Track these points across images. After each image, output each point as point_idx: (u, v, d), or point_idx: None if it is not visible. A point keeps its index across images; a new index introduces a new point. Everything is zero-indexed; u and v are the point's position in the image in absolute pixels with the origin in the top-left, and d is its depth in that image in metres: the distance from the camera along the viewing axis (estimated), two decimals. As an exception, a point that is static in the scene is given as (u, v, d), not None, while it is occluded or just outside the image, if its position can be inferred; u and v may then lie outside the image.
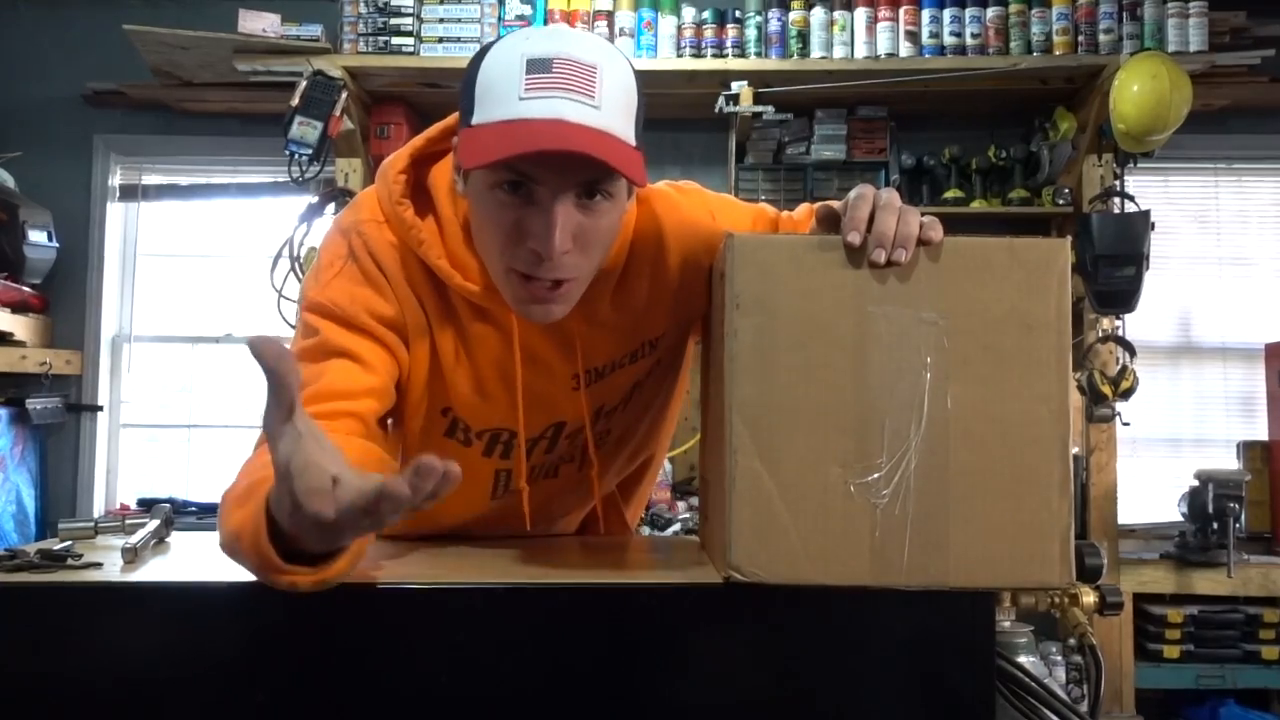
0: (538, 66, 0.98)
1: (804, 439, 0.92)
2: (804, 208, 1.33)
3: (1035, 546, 0.93)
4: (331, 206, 3.68)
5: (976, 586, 0.93)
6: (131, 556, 1.01)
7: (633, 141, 1.01)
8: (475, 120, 1.01)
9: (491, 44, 1.04)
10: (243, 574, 0.91)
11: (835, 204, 1.06)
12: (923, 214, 0.95)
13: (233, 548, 0.88)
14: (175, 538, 1.19)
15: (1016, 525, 0.92)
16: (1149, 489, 3.96)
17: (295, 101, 3.44)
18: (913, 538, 0.92)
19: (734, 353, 0.93)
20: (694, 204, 1.25)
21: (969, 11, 3.63)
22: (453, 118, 1.11)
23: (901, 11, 3.61)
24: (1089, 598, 1.59)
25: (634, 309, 1.19)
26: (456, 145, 1.06)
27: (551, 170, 0.98)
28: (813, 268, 0.93)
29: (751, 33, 3.67)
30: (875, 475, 0.92)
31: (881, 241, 0.92)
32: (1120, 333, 3.63)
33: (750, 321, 0.93)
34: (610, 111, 0.99)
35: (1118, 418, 3.57)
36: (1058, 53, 3.60)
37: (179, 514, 1.38)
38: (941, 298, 0.93)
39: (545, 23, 3.62)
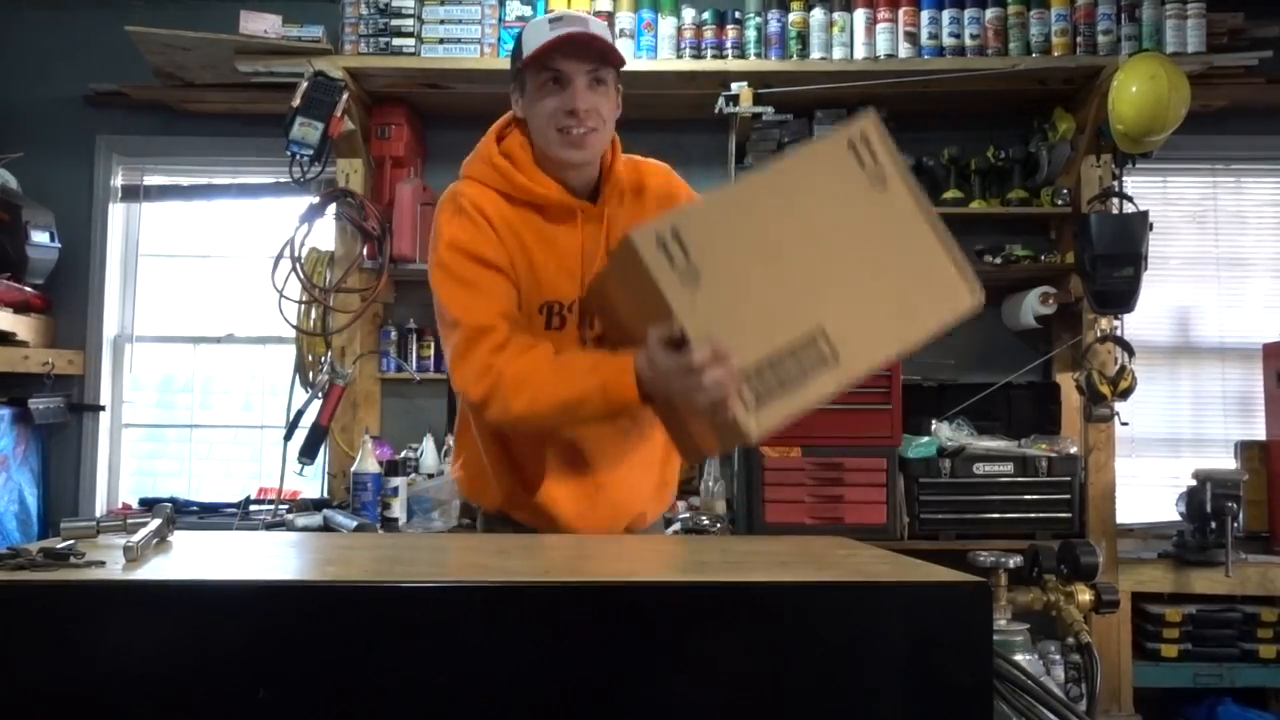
0: (554, 21, 1.68)
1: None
2: None
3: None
4: (332, 207, 3.69)
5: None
6: (133, 555, 1.01)
7: (621, 62, 1.71)
8: (524, 57, 1.67)
9: (529, 25, 1.73)
10: (243, 574, 0.92)
11: None
12: None
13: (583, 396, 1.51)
14: (176, 537, 1.19)
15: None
16: (1147, 489, 3.96)
17: (296, 102, 3.45)
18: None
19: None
20: (677, 180, 1.91)
21: (968, 12, 3.63)
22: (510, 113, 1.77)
23: (901, 12, 3.62)
24: (1085, 596, 1.60)
25: (633, 202, 1.78)
26: (513, 83, 1.75)
27: (571, 59, 1.65)
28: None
29: (751, 33, 3.67)
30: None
31: None
32: (1119, 333, 3.64)
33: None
34: (599, 30, 1.68)
35: (1116, 417, 3.58)
36: (1056, 54, 3.61)
37: (180, 514, 1.40)
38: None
39: (545, 24, 3.63)
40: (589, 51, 1.66)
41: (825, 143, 1.43)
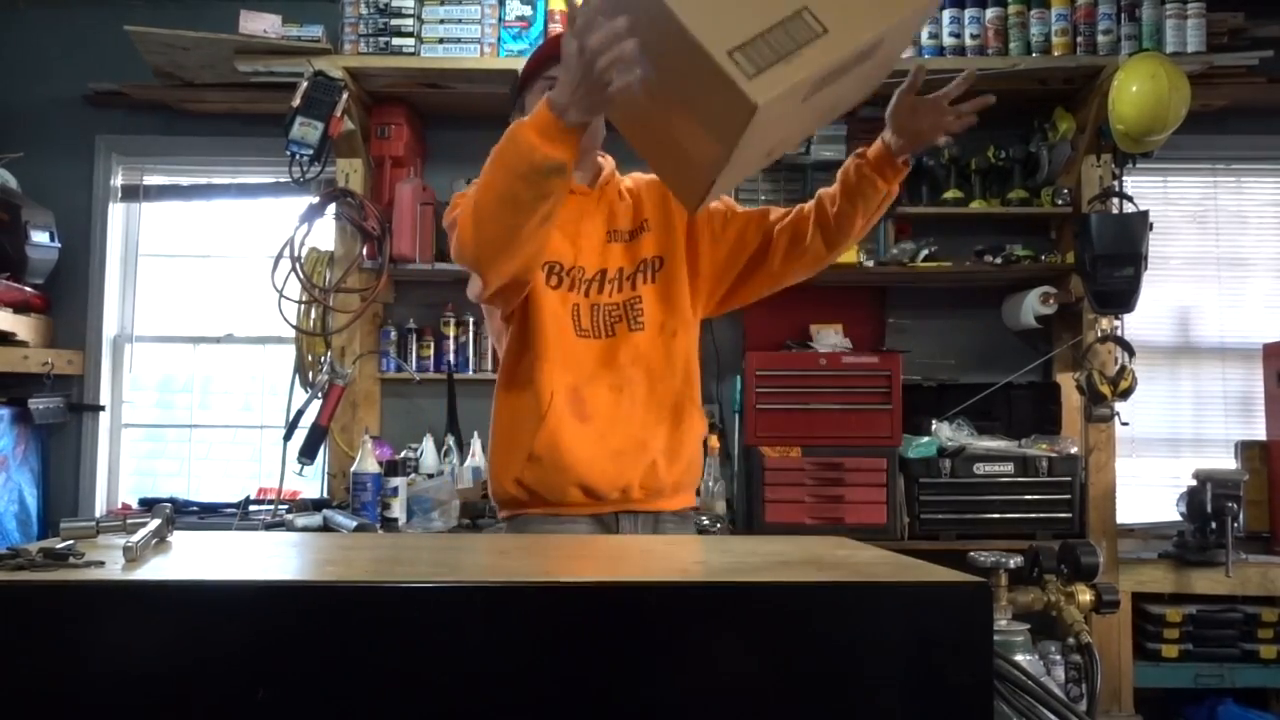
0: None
1: None
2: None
3: None
4: (332, 207, 3.69)
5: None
6: (133, 556, 1.01)
7: None
8: (521, 75, 1.98)
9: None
10: (242, 574, 0.92)
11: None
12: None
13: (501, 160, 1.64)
14: (176, 537, 1.19)
15: None
16: (1148, 489, 3.96)
17: (296, 102, 3.45)
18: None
19: None
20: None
21: (968, 12, 3.63)
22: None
23: (901, 12, 3.61)
24: (1085, 596, 1.60)
25: (630, 198, 2.02)
26: (514, 110, 1.97)
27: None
28: None
29: (751, 33, 3.67)
30: None
31: None
32: (1119, 333, 3.64)
33: None
34: None
35: (1116, 418, 3.58)
36: (1057, 53, 3.61)
37: (180, 514, 1.40)
38: None
39: (545, 24, 3.63)
40: None
41: None
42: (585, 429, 1.88)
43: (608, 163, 2.04)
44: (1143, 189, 3.81)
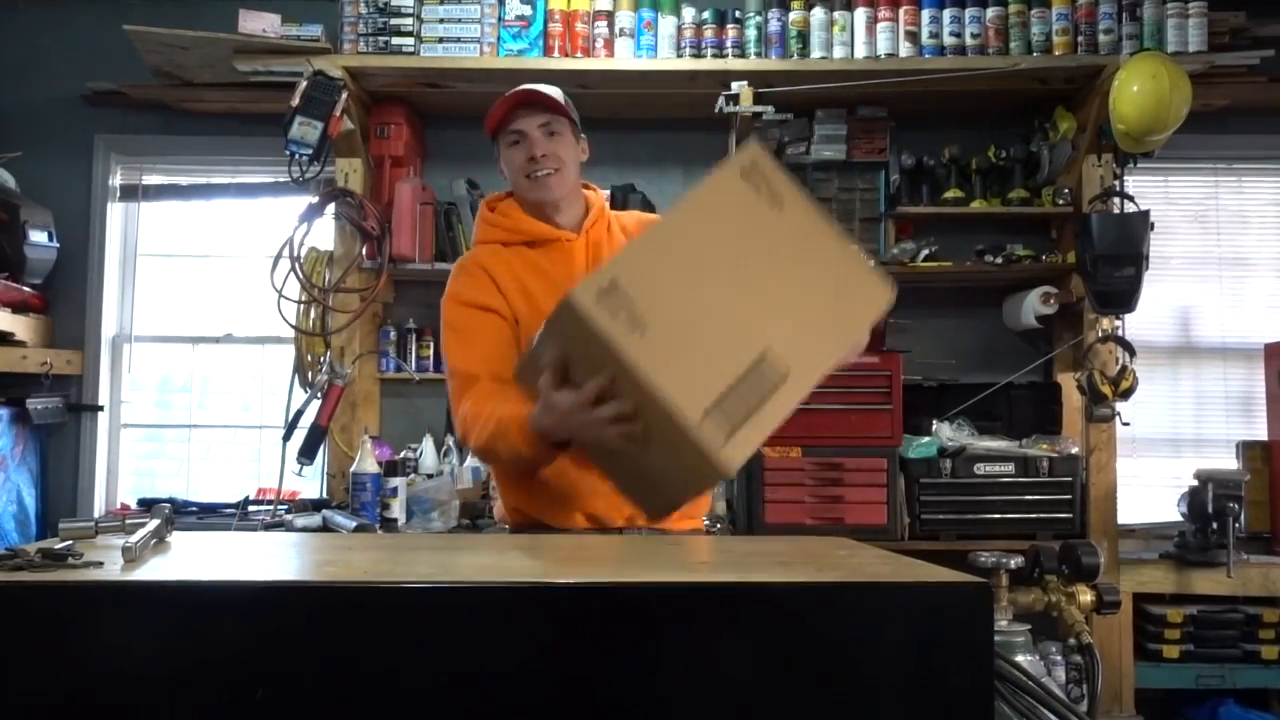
0: (514, 93, 1.94)
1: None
2: None
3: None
4: (331, 206, 3.69)
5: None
6: (131, 556, 1.01)
7: (572, 115, 1.98)
8: (489, 129, 1.98)
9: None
10: (241, 574, 0.91)
11: None
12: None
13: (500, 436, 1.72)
14: (175, 537, 1.19)
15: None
16: (1149, 489, 3.96)
17: (295, 101, 3.44)
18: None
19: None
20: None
21: (969, 12, 3.63)
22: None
23: (901, 12, 3.61)
24: (1086, 596, 1.60)
25: (621, 236, 1.99)
26: (498, 161, 2.01)
27: (523, 118, 1.92)
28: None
29: (751, 33, 3.67)
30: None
31: None
32: (1120, 333, 3.63)
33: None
34: (550, 91, 1.95)
35: (1117, 418, 3.58)
36: (1057, 53, 3.60)
37: (179, 514, 1.40)
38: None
39: (545, 23, 3.62)
40: (538, 107, 1.93)
41: (719, 175, 1.44)
42: (587, 470, 1.82)
43: (597, 199, 2.04)
44: (1144, 189, 3.80)
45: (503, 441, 1.72)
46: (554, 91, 1.96)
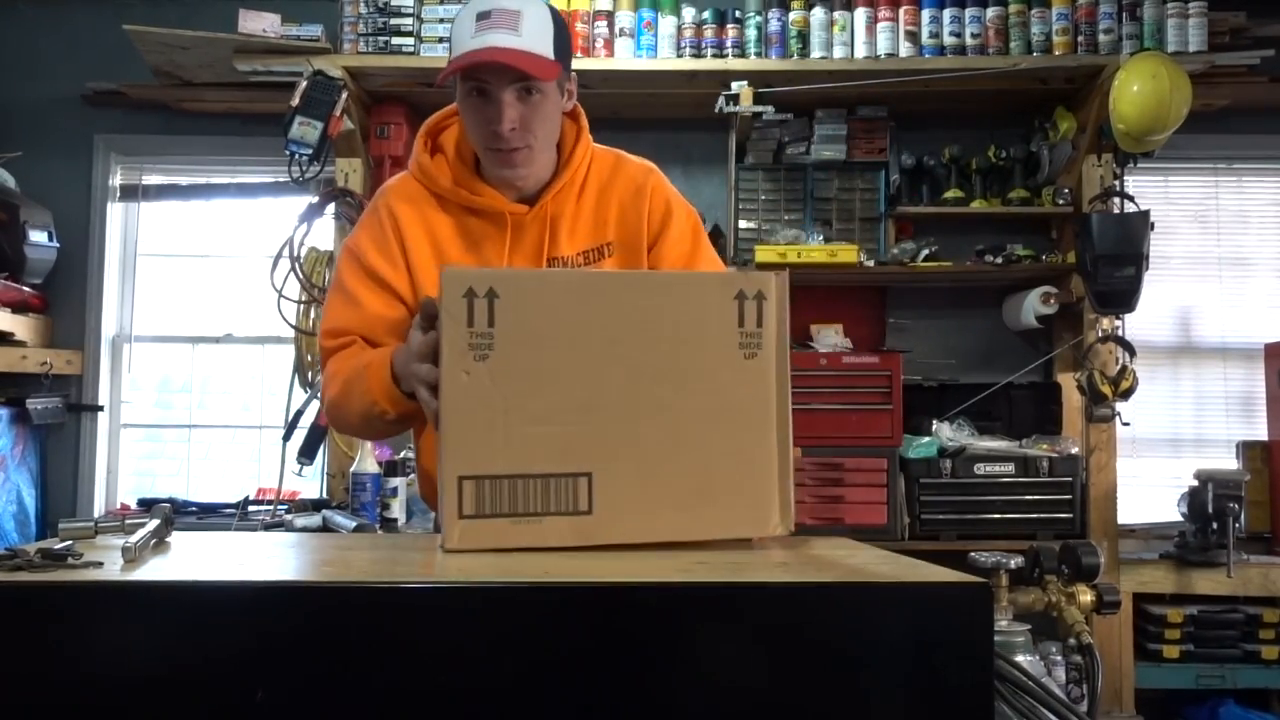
0: (481, 17, 1.47)
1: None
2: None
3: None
4: (331, 206, 3.69)
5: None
6: (131, 556, 1.01)
7: (550, 56, 1.48)
8: (450, 59, 1.50)
9: (461, 10, 1.52)
10: (243, 574, 0.91)
11: None
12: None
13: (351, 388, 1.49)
14: (175, 537, 1.19)
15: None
16: (1149, 489, 3.96)
17: (295, 101, 3.44)
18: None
19: None
20: (657, 180, 1.68)
21: (969, 11, 3.63)
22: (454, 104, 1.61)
23: (901, 11, 3.61)
24: (1086, 597, 1.59)
25: (592, 205, 1.64)
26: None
27: (493, 76, 1.47)
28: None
29: (751, 33, 3.67)
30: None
31: None
32: (1120, 333, 3.63)
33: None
34: (529, 37, 1.46)
35: (1117, 418, 3.58)
36: (1057, 53, 3.60)
37: (179, 514, 1.40)
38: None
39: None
40: (506, 69, 1.47)
41: (716, 279, 1.27)
42: None
43: (579, 153, 1.63)
44: (1144, 188, 3.80)
45: (358, 386, 1.49)
46: (537, 36, 1.47)
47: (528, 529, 1.10)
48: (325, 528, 3.14)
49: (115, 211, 4.18)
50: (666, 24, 3.66)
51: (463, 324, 1.09)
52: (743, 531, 1.20)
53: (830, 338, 3.78)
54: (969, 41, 3.62)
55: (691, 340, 1.16)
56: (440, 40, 3.62)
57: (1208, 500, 3.50)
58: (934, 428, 3.58)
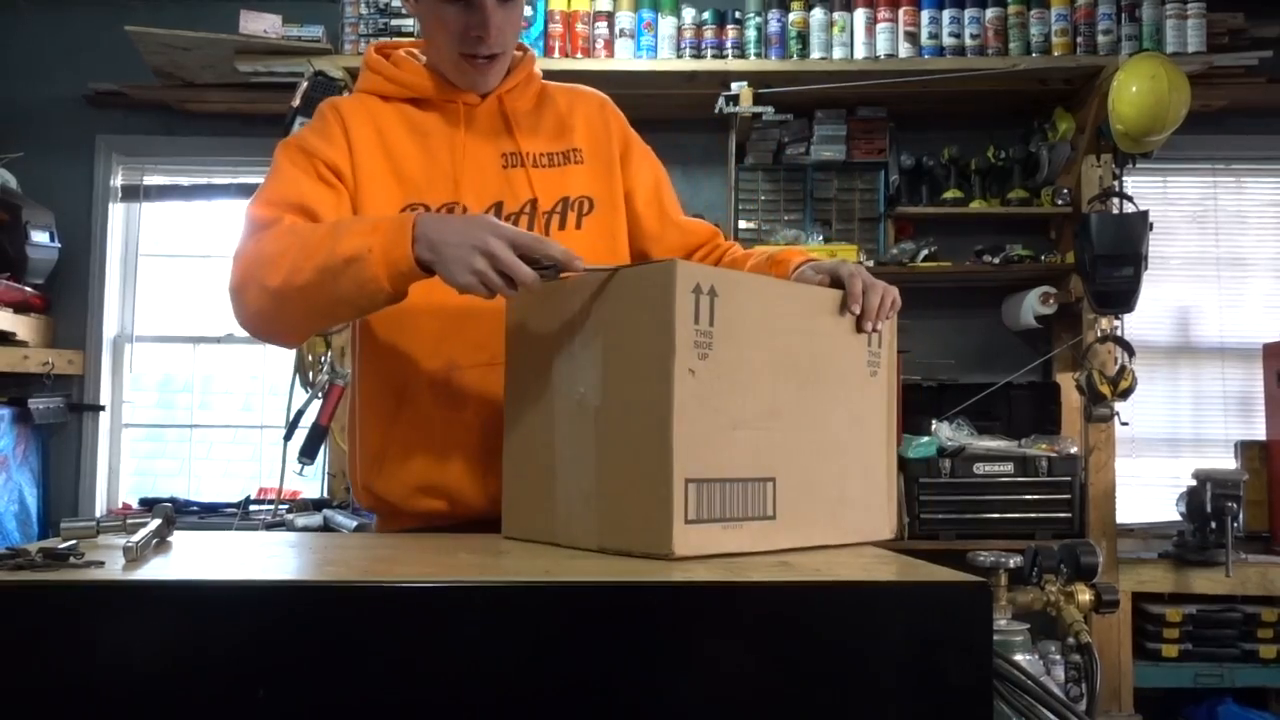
0: None
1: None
2: (753, 252, 1.64)
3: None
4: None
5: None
6: (133, 556, 1.01)
7: None
8: None
9: None
10: (243, 574, 0.91)
11: (815, 266, 1.39)
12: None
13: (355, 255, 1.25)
14: (176, 537, 1.19)
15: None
16: (1147, 489, 3.97)
17: (296, 102, 3.44)
18: None
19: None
20: (614, 104, 1.75)
21: (968, 12, 3.63)
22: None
23: (901, 12, 3.62)
24: (1085, 596, 1.60)
25: (554, 113, 1.61)
26: None
27: None
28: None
29: (751, 33, 3.67)
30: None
31: (869, 314, 1.28)
32: (1119, 333, 3.64)
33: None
34: None
35: (1116, 417, 3.58)
36: (1056, 53, 3.61)
37: (180, 514, 1.40)
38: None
39: (545, 24, 3.62)
40: None
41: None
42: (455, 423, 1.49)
43: (526, 60, 1.61)
44: (1142, 189, 3.81)
45: (340, 243, 1.26)
46: None
47: (731, 534, 1.11)
48: (326, 527, 3.15)
49: (117, 212, 4.19)
50: (666, 25, 3.66)
51: (690, 320, 1.08)
52: (870, 536, 1.27)
53: (830, 338, 3.78)
54: (968, 42, 3.63)
55: (838, 356, 1.25)
56: (440, 41, 3.62)
57: (1206, 500, 3.51)
58: (933, 427, 3.59)
